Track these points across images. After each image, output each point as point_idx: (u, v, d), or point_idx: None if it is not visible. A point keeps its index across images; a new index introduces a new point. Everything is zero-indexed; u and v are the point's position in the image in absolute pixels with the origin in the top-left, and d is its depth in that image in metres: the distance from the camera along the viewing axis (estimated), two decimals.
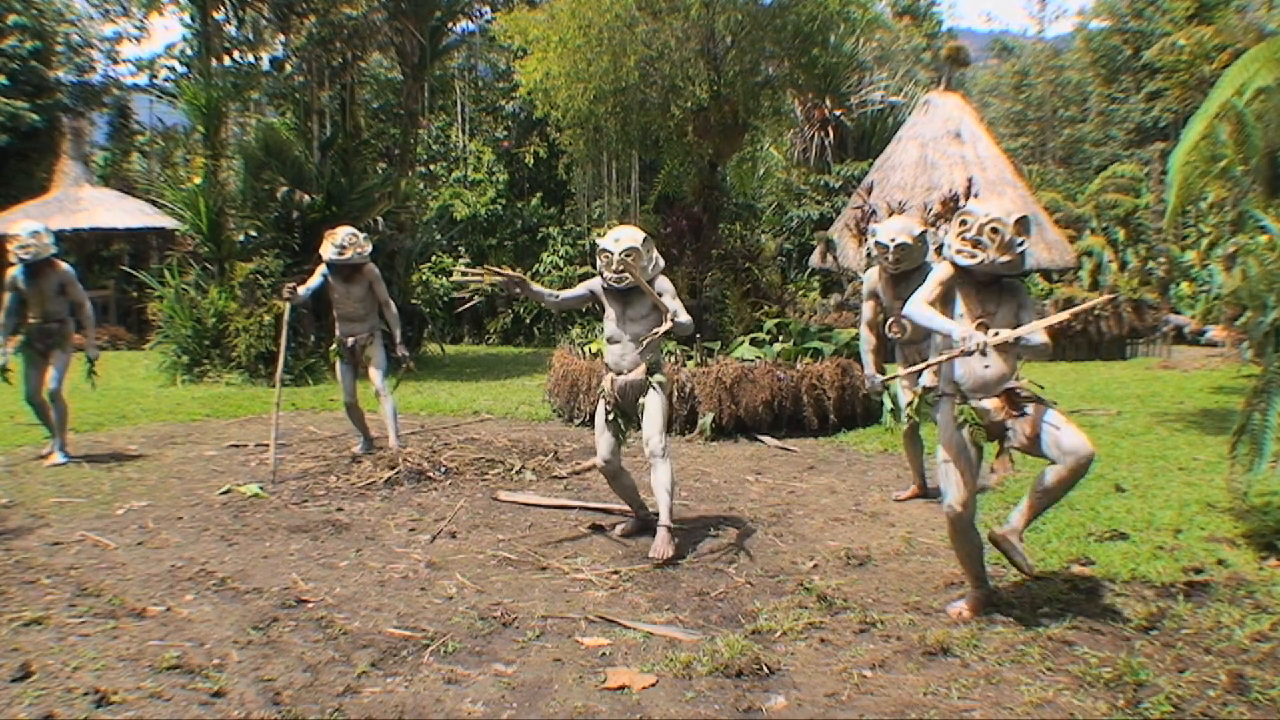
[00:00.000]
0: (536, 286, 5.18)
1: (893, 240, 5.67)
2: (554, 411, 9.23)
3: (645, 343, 5.05)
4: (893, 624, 3.99)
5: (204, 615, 4.11)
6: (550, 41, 10.63)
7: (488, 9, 16.55)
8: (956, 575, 4.56)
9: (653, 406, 5.10)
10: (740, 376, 8.23)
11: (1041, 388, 4.01)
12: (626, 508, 5.59)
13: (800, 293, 14.22)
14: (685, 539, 5.33)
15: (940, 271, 4.01)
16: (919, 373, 3.98)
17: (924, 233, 5.76)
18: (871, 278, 5.94)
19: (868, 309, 6.02)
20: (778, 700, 3.34)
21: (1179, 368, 12.85)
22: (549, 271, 17.19)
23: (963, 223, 3.92)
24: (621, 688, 3.43)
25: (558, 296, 5.33)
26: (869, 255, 6.06)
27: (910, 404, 5.80)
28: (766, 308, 10.86)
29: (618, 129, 11.63)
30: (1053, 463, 3.82)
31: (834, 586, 4.46)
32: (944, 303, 3.97)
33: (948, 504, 3.93)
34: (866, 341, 6.05)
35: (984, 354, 3.71)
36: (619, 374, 5.17)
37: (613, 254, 5.01)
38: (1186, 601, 4.09)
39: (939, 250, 5.37)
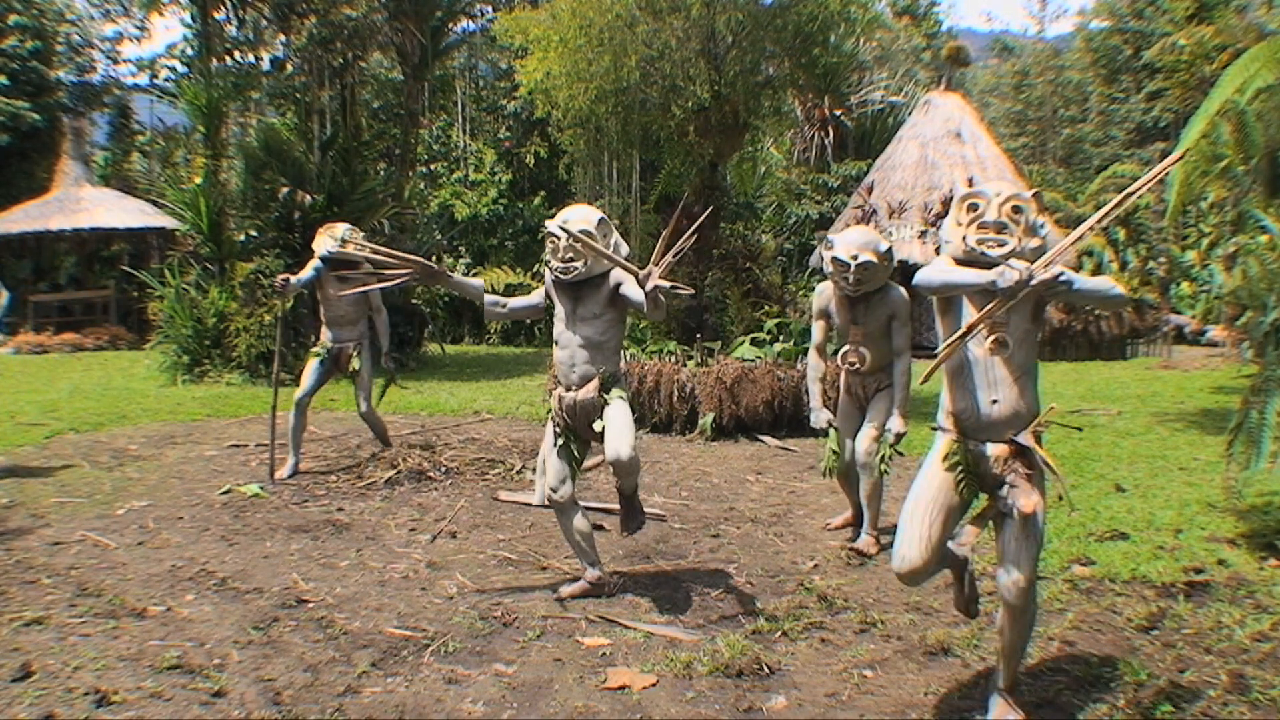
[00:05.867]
0: (460, 279, 4.35)
1: (854, 258, 4.73)
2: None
3: (655, 301, 3.83)
4: (893, 624, 3.99)
5: (204, 615, 4.11)
6: (551, 41, 10.62)
7: (489, 9, 16.56)
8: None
9: (615, 415, 4.19)
10: (741, 376, 8.23)
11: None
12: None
13: (800, 293, 14.21)
14: (685, 539, 5.33)
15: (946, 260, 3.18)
16: (936, 367, 3.02)
17: (890, 249, 4.87)
18: (824, 294, 5.11)
19: (817, 330, 5.22)
20: (778, 700, 3.34)
21: (1179, 368, 12.86)
22: None
23: (973, 206, 3.14)
24: (622, 688, 3.43)
25: (505, 305, 4.45)
26: (820, 263, 5.18)
27: (881, 454, 4.96)
28: (767, 307, 10.87)
29: (618, 129, 11.62)
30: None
31: (834, 586, 4.46)
32: (945, 313, 3.17)
33: (895, 560, 3.11)
34: (815, 368, 5.28)
35: (1017, 292, 2.81)
36: (568, 389, 4.31)
37: (559, 239, 4.15)
38: (1187, 601, 4.09)
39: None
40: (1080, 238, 2.97)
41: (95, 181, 19.63)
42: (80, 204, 17.93)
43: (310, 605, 4.24)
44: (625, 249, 4.28)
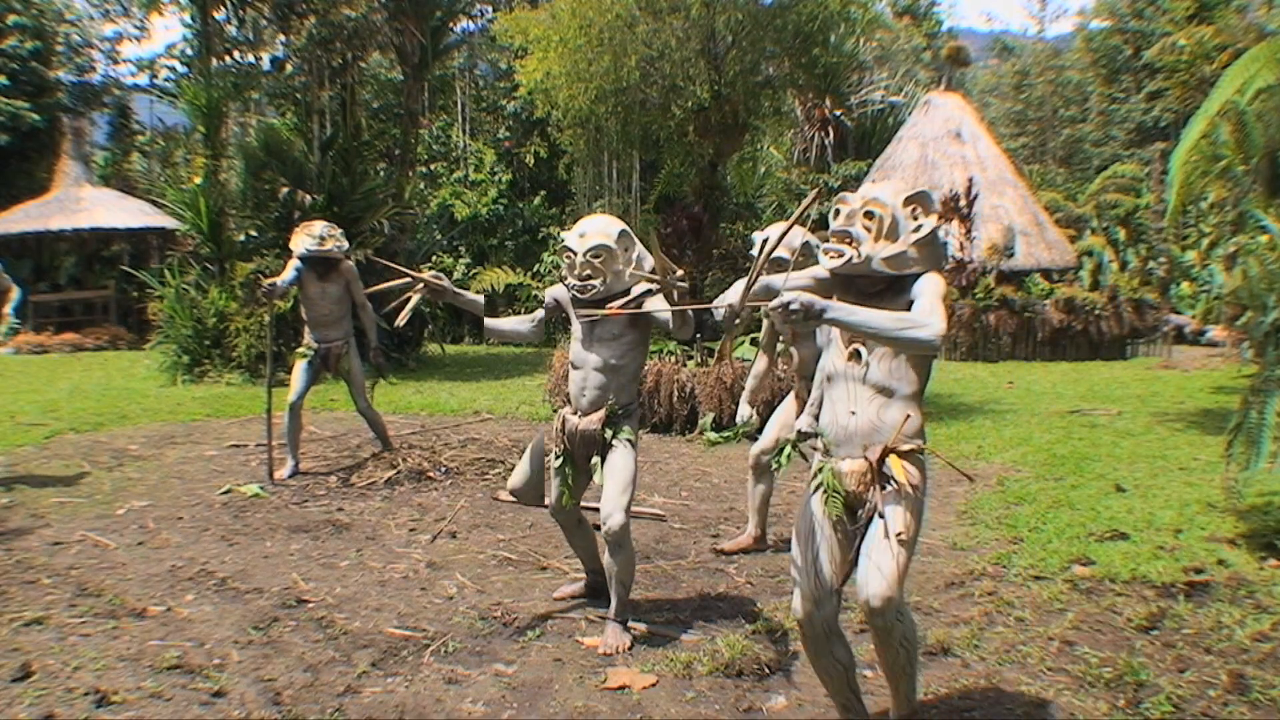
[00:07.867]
0: (468, 296, 4.07)
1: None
2: (554, 411, 9.21)
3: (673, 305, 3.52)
4: None
5: (204, 615, 4.11)
6: (551, 41, 10.62)
7: (489, 9, 16.57)
8: (957, 575, 4.57)
9: (618, 466, 3.83)
10: (741, 376, 8.23)
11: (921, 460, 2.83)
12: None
13: None
14: (685, 539, 5.33)
15: (812, 272, 2.96)
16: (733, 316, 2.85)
17: (807, 243, 4.41)
18: None
19: (764, 330, 5.13)
20: (778, 700, 3.34)
21: (1179, 368, 12.86)
22: (549, 272, 17.20)
23: (836, 212, 2.88)
24: (622, 688, 3.43)
25: (505, 328, 4.17)
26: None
27: (782, 450, 4.61)
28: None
29: (618, 129, 11.62)
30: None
31: None
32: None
33: (792, 608, 2.93)
34: (756, 363, 5.17)
35: (726, 325, 2.76)
36: (574, 412, 3.98)
37: (576, 254, 3.80)
38: (1187, 601, 4.09)
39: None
40: (757, 276, 2.80)
41: (95, 181, 19.65)
42: (80, 204, 17.95)
43: (310, 605, 4.24)
44: (650, 262, 3.88)
